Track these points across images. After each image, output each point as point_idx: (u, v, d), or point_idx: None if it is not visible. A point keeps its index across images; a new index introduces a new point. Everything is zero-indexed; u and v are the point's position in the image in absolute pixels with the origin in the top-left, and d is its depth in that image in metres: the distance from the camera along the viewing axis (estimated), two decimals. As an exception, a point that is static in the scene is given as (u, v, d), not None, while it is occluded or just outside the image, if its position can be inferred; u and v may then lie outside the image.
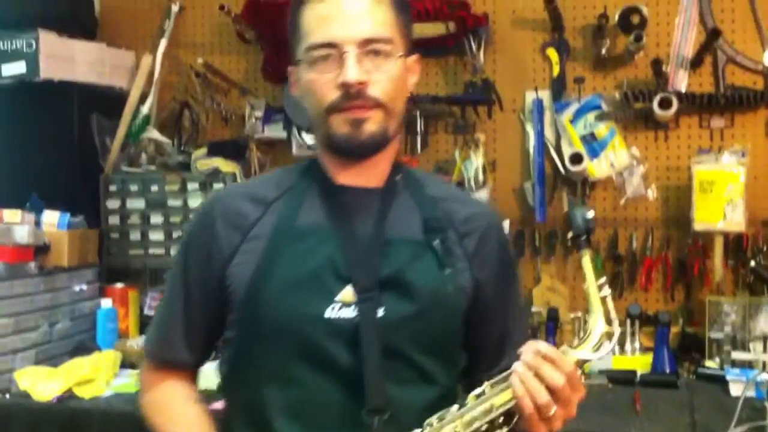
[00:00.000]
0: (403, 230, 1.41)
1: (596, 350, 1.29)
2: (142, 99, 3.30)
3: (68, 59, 3.14)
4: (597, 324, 1.30)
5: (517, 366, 1.26)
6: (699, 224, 2.78)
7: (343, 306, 1.35)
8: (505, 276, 1.51)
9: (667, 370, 2.66)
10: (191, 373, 1.53)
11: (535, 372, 1.24)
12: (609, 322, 1.30)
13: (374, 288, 1.35)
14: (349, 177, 1.43)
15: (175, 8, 3.39)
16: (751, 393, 2.34)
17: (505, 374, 1.28)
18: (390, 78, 1.38)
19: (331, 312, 1.35)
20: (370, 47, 1.36)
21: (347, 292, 1.35)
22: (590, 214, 1.36)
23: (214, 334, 1.48)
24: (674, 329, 2.81)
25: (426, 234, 1.42)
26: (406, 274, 1.37)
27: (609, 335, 1.29)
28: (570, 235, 1.36)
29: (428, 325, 1.38)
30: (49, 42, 3.06)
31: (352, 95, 1.35)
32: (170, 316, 1.49)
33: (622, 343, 2.81)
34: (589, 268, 1.32)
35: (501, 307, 1.49)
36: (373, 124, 1.37)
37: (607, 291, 1.31)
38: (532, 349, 1.26)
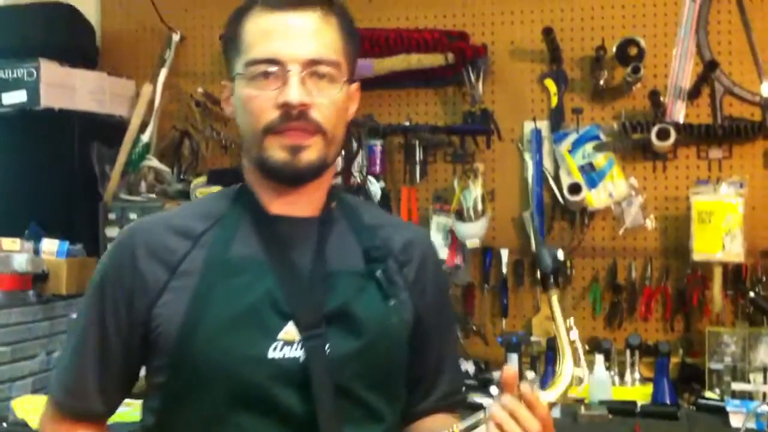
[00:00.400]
0: (344, 261, 1.34)
1: (566, 394, 1.27)
2: (142, 127, 3.30)
3: (69, 88, 3.15)
4: (566, 367, 1.28)
5: (493, 409, 1.22)
6: (698, 254, 2.78)
7: (285, 344, 1.25)
8: (441, 302, 1.47)
9: (668, 401, 2.64)
10: (102, 423, 1.41)
11: (511, 414, 1.20)
12: (578, 365, 1.28)
13: (320, 324, 1.26)
14: (283, 206, 1.34)
15: (175, 38, 3.42)
16: (752, 424, 2.34)
17: (474, 418, 1.24)
18: (332, 103, 1.30)
19: (274, 352, 1.25)
20: (314, 68, 1.29)
21: (289, 330, 1.26)
22: (559, 253, 1.35)
23: (133, 380, 1.38)
24: (674, 360, 2.80)
25: (368, 264, 1.34)
26: (351, 307, 1.29)
27: (579, 379, 1.28)
28: (538, 274, 1.35)
29: (374, 359, 1.30)
30: (50, 71, 3.07)
31: (293, 117, 1.27)
32: (82, 361, 1.34)
33: (621, 374, 2.82)
34: (557, 310, 1.30)
35: (438, 334, 1.44)
36: (312, 152, 1.29)
37: (575, 334, 1.29)
38: (510, 389, 1.22)
